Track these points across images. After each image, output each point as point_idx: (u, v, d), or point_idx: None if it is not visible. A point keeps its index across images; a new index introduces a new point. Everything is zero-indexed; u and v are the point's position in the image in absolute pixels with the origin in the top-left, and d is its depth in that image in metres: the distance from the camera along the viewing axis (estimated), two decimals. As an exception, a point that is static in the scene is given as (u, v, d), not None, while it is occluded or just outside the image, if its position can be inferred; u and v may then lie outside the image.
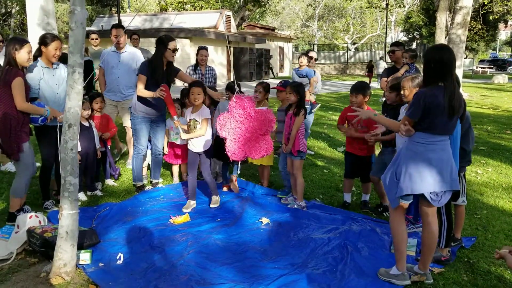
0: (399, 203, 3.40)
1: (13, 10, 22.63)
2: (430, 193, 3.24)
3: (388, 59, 15.39)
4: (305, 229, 4.49)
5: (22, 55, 4.40)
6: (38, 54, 4.83)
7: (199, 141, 4.97)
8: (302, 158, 5.06)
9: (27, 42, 4.49)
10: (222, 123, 4.53)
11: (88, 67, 7.33)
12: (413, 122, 3.24)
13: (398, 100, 4.43)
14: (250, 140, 4.49)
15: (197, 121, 4.91)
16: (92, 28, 25.75)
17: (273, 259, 3.84)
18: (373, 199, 5.39)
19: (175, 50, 5.19)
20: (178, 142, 5.79)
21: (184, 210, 4.95)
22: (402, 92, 4.01)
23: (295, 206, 5.04)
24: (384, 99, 4.55)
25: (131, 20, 7.65)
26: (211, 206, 5.06)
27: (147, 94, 5.14)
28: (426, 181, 3.20)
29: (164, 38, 5.17)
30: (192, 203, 5.10)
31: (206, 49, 6.96)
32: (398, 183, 3.30)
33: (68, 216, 3.47)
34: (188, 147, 5.06)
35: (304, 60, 7.62)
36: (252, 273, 3.58)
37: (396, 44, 6.30)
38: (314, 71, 7.73)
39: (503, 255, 2.51)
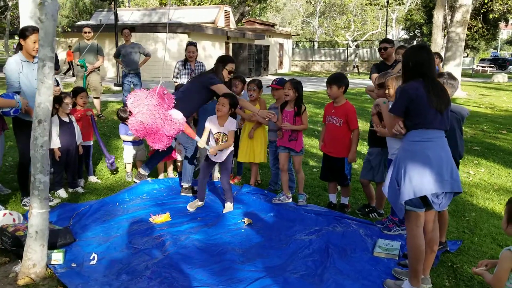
0: (406, 211, 3.14)
1: (10, 3, 22.48)
2: (432, 194, 3.05)
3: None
4: (288, 231, 4.38)
5: None
6: (20, 47, 4.72)
7: (222, 153, 4.80)
8: (302, 154, 5.15)
9: None
10: (137, 98, 4.38)
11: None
12: (398, 119, 3.16)
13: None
14: (152, 132, 4.43)
15: (225, 134, 4.73)
16: (91, 22, 25.61)
17: (251, 261, 3.72)
18: (361, 200, 5.30)
19: (231, 72, 5.20)
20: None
21: (188, 208, 4.91)
22: (386, 91, 3.92)
23: (301, 201, 5.06)
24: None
25: (105, 19, 7.52)
26: (224, 211, 4.85)
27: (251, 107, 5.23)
28: (427, 181, 3.02)
29: (226, 58, 5.25)
30: (200, 203, 4.99)
31: (195, 44, 6.85)
32: (400, 189, 3.10)
33: (37, 215, 3.36)
34: (209, 156, 4.85)
35: (437, 59, 7.51)
36: (228, 276, 3.47)
37: (388, 41, 6.17)
38: None
39: (480, 274, 2.40)
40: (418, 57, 3.16)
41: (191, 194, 5.34)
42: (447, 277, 3.51)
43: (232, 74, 5.25)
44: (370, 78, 6.22)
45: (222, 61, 5.23)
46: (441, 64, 9.30)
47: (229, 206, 4.89)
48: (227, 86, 5.17)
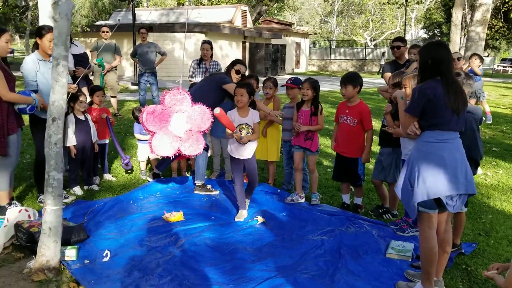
0: (419, 212, 3.08)
1: (31, 3, 22.85)
2: (446, 196, 3.00)
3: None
4: (300, 230, 4.36)
5: (1, 45, 4.24)
6: (36, 46, 4.77)
7: (246, 148, 4.57)
8: (317, 154, 5.17)
9: (5, 31, 4.34)
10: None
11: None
12: (413, 119, 3.10)
13: None
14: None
15: (249, 125, 4.53)
16: (110, 21, 25.85)
17: (262, 261, 3.72)
18: (375, 200, 5.25)
19: (238, 72, 5.36)
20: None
21: (236, 220, 4.61)
22: (403, 90, 3.86)
23: (314, 200, 5.06)
24: None
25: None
26: (235, 219, 4.64)
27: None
28: (441, 183, 2.97)
29: (235, 60, 5.54)
30: (244, 213, 4.72)
31: (209, 42, 6.86)
32: (413, 190, 3.05)
33: (51, 212, 3.40)
34: (232, 154, 4.61)
35: (476, 59, 7.59)
36: (238, 275, 3.47)
37: (401, 39, 6.10)
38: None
39: (491, 277, 2.35)
40: (436, 54, 3.07)
41: (204, 192, 5.35)
42: (461, 280, 3.45)
43: (240, 75, 5.33)
44: (382, 77, 6.14)
45: (231, 62, 5.48)
46: (478, 67, 8.96)
47: (240, 214, 4.75)
48: None
